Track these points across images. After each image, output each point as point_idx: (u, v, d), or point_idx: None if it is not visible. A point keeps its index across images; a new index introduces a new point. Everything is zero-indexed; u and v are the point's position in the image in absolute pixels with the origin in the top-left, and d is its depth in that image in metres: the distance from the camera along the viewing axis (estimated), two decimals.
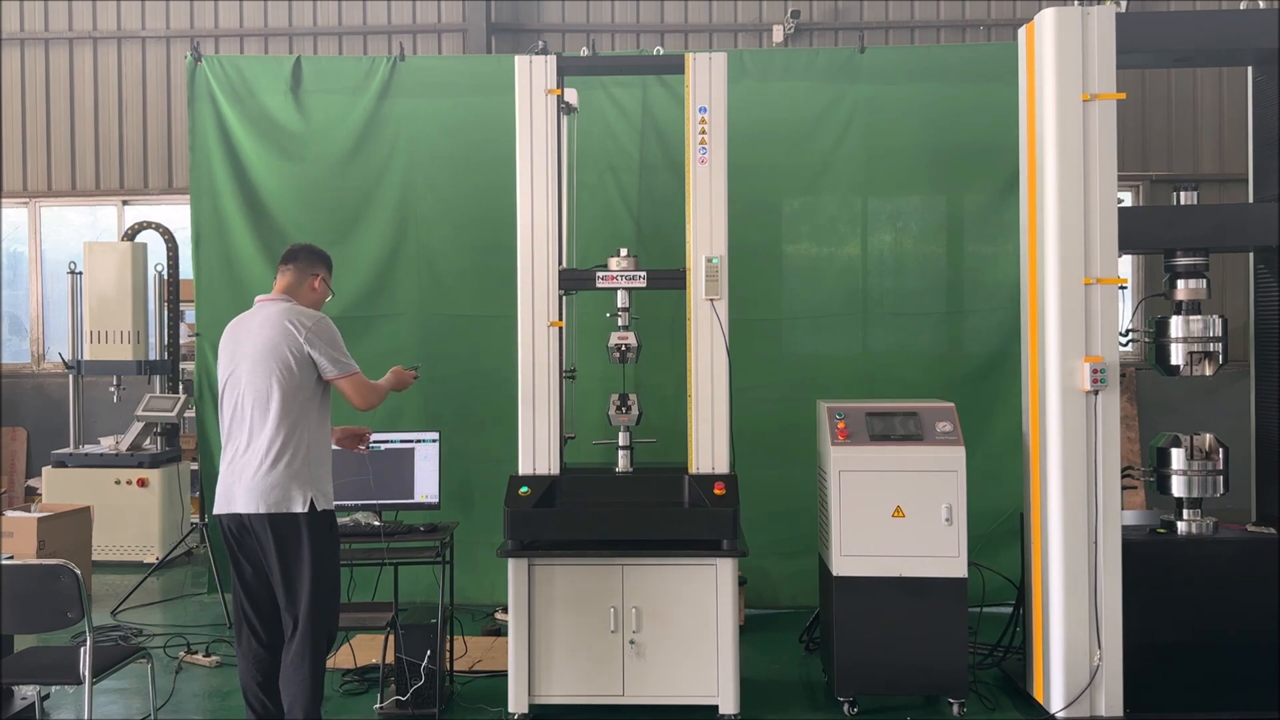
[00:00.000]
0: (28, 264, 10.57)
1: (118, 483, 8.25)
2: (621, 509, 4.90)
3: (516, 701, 4.90)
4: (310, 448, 4.22)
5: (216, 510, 4.27)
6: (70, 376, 8.72)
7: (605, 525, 4.88)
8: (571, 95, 5.58)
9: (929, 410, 5.14)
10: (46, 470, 8.42)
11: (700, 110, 5.03)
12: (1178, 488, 5.05)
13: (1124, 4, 5.00)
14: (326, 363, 4.24)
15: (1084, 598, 4.80)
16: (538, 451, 5.03)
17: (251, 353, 4.24)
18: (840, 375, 6.64)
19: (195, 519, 7.83)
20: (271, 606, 4.26)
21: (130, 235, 8.90)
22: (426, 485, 5.29)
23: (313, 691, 4.18)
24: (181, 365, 8.92)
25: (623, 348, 5.03)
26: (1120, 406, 5.10)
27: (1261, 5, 5.03)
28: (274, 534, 4.15)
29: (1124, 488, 4.94)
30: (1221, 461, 5.02)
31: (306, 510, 4.15)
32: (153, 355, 8.81)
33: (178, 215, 8.94)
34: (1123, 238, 4.85)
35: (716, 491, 4.90)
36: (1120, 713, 4.81)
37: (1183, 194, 5.15)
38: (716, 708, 4.91)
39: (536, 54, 5.23)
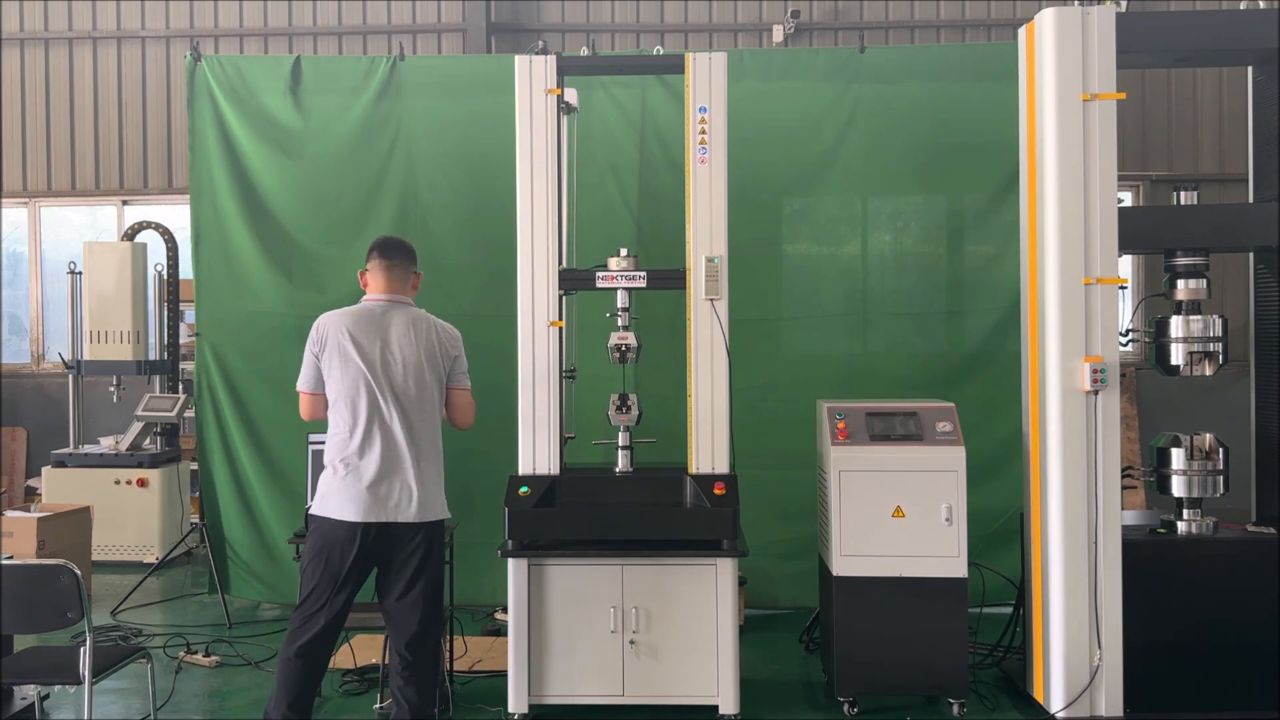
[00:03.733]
0: (28, 264, 10.57)
1: (117, 483, 8.24)
2: (621, 509, 4.90)
3: (516, 701, 4.90)
4: (439, 454, 4.29)
5: (363, 518, 4.10)
6: (70, 376, 8.72)
7: (605, 525, 4.88)
8: (571, 95, 5.58)
9: (929, 410, 5.14)
10: (46, 470, 8.41)
11: (700, 110, 5.03)
12: (1178, 488, 5.05)
13: (1124, 4, 5.00)
14: (460, 372, 4.32)
15: (1084, 598, 4.80)
16: (538, 451, 5.03)
17: (406, 358, 4.19)
18: (840, 375, 6.63)
19: (195, 519, 7.82)
20: (342, 615, 4.24)
21: (130, 235, 8.90)
22: None
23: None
24: (181, 365, 8.93)
25: (623, 348, 5.02)
26: (1120, 406, 5.10)
27: (1261, 5, 5.03)
28: (428, 541, 4.20)
29: (1124, 488, 4.94)
30: (1221, 461, 5.02)
31: (448, 517, 4.28)
32: (153, 355, 8.81)
33: (178, 215, 8.94)
34: (1123, 238, 4.85)
35: (716, 491, 4.90)
36: (1120, 713, 4.81)
37: (1183, 194, 5.15)
38: (716, 708, 4.91)
39: (536, 54, 5.22)
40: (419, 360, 4.22)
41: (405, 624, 4.25)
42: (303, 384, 4.34)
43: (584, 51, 6.29)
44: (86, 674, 4.12)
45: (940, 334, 6.78)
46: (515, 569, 4.91)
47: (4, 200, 10.40)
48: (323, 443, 5.31)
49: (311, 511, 4.27)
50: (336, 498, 4.15)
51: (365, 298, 4.42)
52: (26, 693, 4.94)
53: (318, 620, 4.17)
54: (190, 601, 7.23)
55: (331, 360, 4.23)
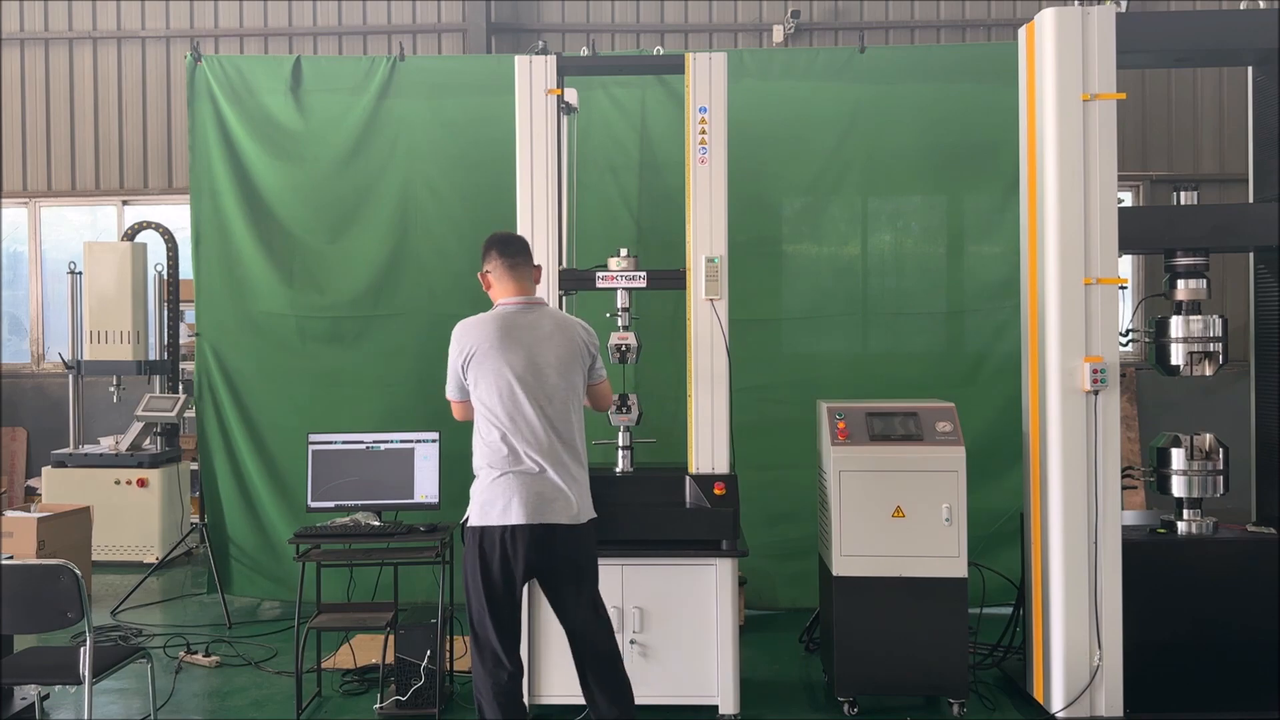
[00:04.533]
0: (28, 264, 10.57)
1: (118, 483, 8.25)
2: (621, 509, 4.90)
3: None
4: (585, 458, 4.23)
5: (518, 521, 3.95)
6: (70, 376, 8.72)
7: (605, 525, 4.85)
8: (571, 95, 5.58)
9: (929, 410, 5.14)
10: (46, 470, 8.42)
11: (700, 110, 5.03)
12: (1178, 488, 5.05)
13: (1124, 4, 5.00)
14: (599, 368, 4.30)
15: (1084, 598, 4.80)
16: None
17: (554, 360, 4.09)
18: (840, 375, 6.63)
19: (195, 519, 7.83)
20: (515, 626, 4.11)
21: (130, 235, 8.91)
22: (426, 485, 5.29)
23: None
24: (181, 365, 8.93)
25: (623, 348, 5.02)
26: (1120, 406, 5.10)
27: (1261, 5, 5.03)
28: (584, 543, 4.11)
29: (1124, 488, 4.94)
30: (1221, 461, 5.02)
31: (594, 517, 4.19)
32: (153, 355, 8.81)
33: (178, 215, 8.94)
34: (1123, 238, 4.85)
35: (716, 491, 4.90)
36: (1120, 713, 4.81)
37: (1183, 194, 5.15)
38: (716, 708, 4.91)
39: (536, 54, 5.23)
40: (563, 363, 4.11)
41: (585, 633, 4.13)
42: (450, 393, 4.24)
43: (584, 51, 6.28)
44: (86, 674, 4.12)
45: (940, 334, 6.78)
46: None
47: (4, 200, 10.40)
48: (322, 443, 5.38)
49: (471, 523, 4.03)
50: (498, 504, 4.00)
51: (500, 302, 4.24)
52: (26, 693, 4.94)
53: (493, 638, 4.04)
54: (190, 601, 7.24)
55: (481, 368, 4.08)
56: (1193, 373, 5.05)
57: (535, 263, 4.36)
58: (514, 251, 4.25)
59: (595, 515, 4.19)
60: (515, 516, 3.96)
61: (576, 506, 4.05)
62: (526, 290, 4.24)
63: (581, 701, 4.84)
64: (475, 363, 4.09)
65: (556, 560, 4.04)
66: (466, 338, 4.15)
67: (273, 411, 6.91)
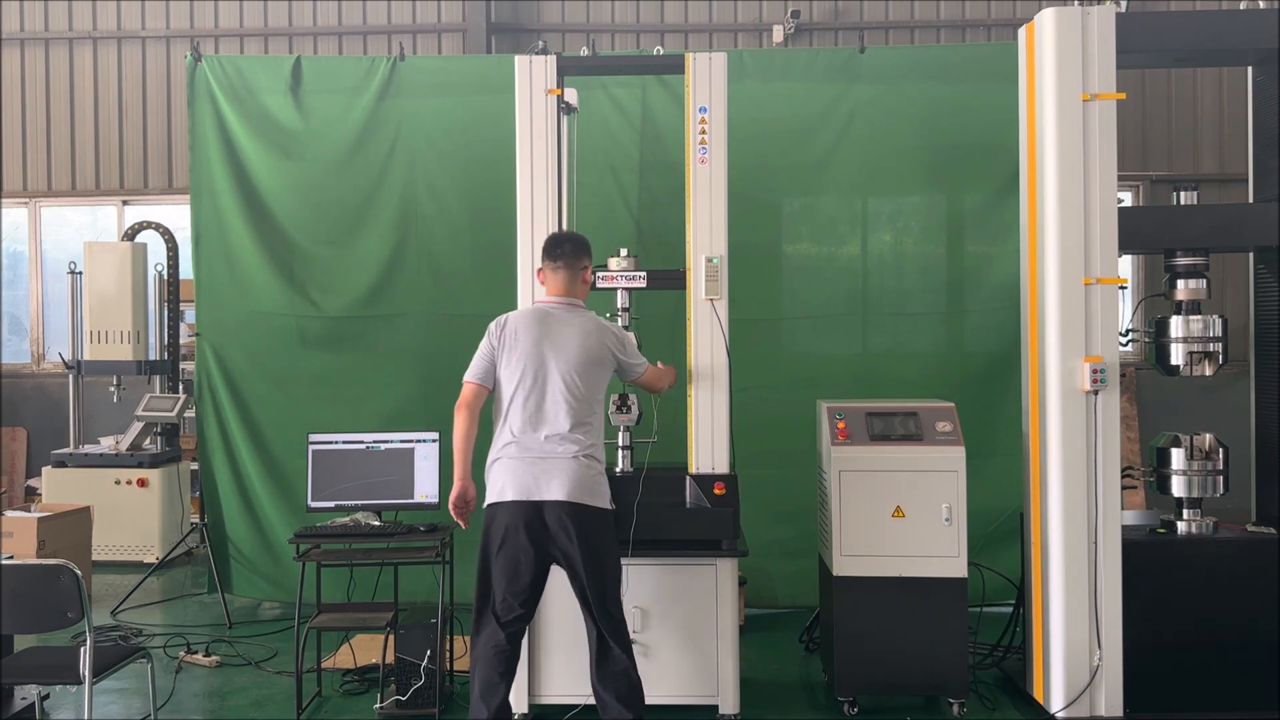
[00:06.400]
0: (28, 264, 10.58)
1: (118, 483, 8.25)
2: (621, 509, 4.88)
3: (516, 701, 4.89)
4: (602, 449, 4.47)
5: (515, 497, 4.29)
6: (70, 376, 8.72)
7: None
8: (571, 95, 5.58)
9: (929, 410, 5.14)
10: (46, 470, 8.42)
11: (700, 110, 5.03)
12: (1178, 488, 5.05)
13: (1124, 4, 5.00)
14: (628, 369, 4.59)
15: (1084, 598, 4.80)
16: None
17: (572, 358, 4.38)
18: (840, 375, 6.63)
19: (195, 519, 7.83)
20: (526, 602, 4.36)
21: (130, 235, 8.91)
22: (426, 485, 5.29)
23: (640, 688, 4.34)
24: (181, 365, 8.93)
25: None
26: (1120, 406, 5.10)
27: (1261, 5, 5.03)
28: (587, 525, 4.27)
29: (1124, 488, 4.94)
30: (1221, 461, 5.02)
31: (612, 507, 4.41)
32: (153, 355, 8.81)
33: (178, 215, 8.94)
34: (1123, 238, 4.85)
35: (716, 491, 4.90)
36: (1120, 713, 4.81)
37: (1183, 194, 5.15)
38: (716, 708, 4.91)
39: (536, 54, 5.22)
40: (584, 364, 4.39)
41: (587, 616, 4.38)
42: (469, 374, 4.53)
43: (584, 51, 6.28)
44: (86, 674, 4.12)
45: (940, 334, 6.78)
46: None
47: (4, 200, 10.40)
48: (322, 443, 5.40)
49: (488, 502, 4.40)
50: (496, 485, 4.39)
51: (539, 300, 4.67)
52: (26, 693, 4.94)
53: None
54: (190, 601, 7.24)
55: (510, 354, 4.44)
56: (1193, 373, 5.05)
57: (585, 264, 4.60)
58: (555, 255, 4.57)
59: (608, 507, 4.39)
60: (519, 493, 4.30)
61: (585, 491, 4.29)
62: (567, 291, 4.56)
63: (581, 701, 4.87)
64: (506, 349, 4.46)
65: (547, 539, 4.29)
66: (506, 324, 4.53)
67: (273, 411, 6.91)
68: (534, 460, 4.31)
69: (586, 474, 4.31)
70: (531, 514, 4.27)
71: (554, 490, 4.26)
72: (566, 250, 4.56)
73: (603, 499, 4.37)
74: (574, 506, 4.26)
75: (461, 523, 4.52)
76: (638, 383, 4.71)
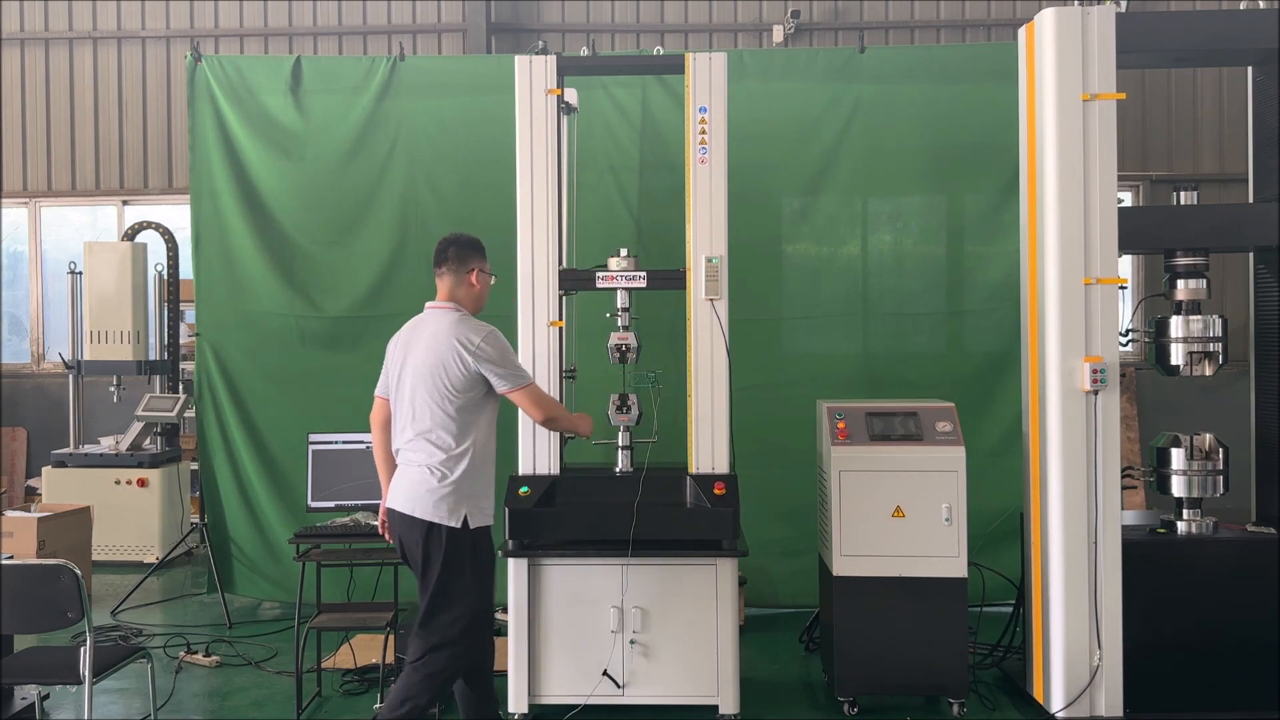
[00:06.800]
0: (28, 264, 10.58)
1: (118, 483, 8.25)
2: (621, 509, 4.89)
3: (516, 701, 4.90)
4: (472, 462, 4.23)
5: (386, 505, 4.37)
6: (70, 376, 8.72)
7: (605, 525, 4.88)
8: (571, 95, 5.58)
9: (929, 410, 5.14)
10: (46, 470, 8.42)
11: (700, 110, 5.03)
12: (1178, 488, 5.04)
13: (1124, 4, 5.00)
14: (496, 378, 4.24)
15: (1084, 598, 4.80)
16: (538, 451, 5.02)
17: (418, 365, 4.25)
18: (840, 375, 6.63)
19: (195, 519, 7.83)
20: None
21: (130, 235, 8.91)
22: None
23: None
24: (181, 365, 8.93)
25: (623, 348, 5.02)
26: (1120, 406, 5.10)
27: (1261, 5, 5.03)
28: (412, 537, 4.19)
29: (1124, 488, 4.94)
30: (1221, 461, 5.02)
31: (460, 526, 4.17)
32: (153, 355, 8.81)
33: (178, 215, 8.94)
34: (1123, 238, 4.85)
35: (716, 491, 4.90)
36: (1120, 713, 4.81)
37: (1183, 194, 5.15)
38: (716, 708, 4.91)
39: (536, 54, 5.22)
40: (424, 371, 4.23)
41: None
42: (377, 389, 4.53)
43: (584, 51, 6.28)
44: (86, 674, 4.12)
45: (940, 334, 6.78)
46: (515, 569, 4.92)
47: (4, 200, 10.40)
48: (322, 443, 5.41)
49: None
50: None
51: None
52: (26, 693, 4.94)
53: None
54: (190, 601, 7.24)
55: (390, 366, 4.43)
56: (1193, 373, 5.05)
57: (471, 267, 4.41)
58: (438, 260, 4.45)
59: (460, 526, 4.16)
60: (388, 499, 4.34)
61: (426, 506, 4.16)
62: (448, 296, 4.42)
63: (581, 701, 4.87)
64: (389, 359, 4.44)
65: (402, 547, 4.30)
66: (396, 334, 4.49)
67: (272, 411, 6.91)
68: (399, 468, 4.32)
69: (421, 485, 4.17)
70: (390, 519, 4.33)
71: (393, 498, 4.27)
72: (450, 255, 4.40)
73: (434, 513, 4.15)
74: (402, 516, 4.21)
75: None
76: (514, 401, 4.33)
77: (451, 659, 4.17)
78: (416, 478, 4.20)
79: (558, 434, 5.01)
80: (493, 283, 4.56)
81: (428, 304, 4.45)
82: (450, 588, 4.17)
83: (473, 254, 4.44)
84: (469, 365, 4.19)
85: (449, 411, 4.20)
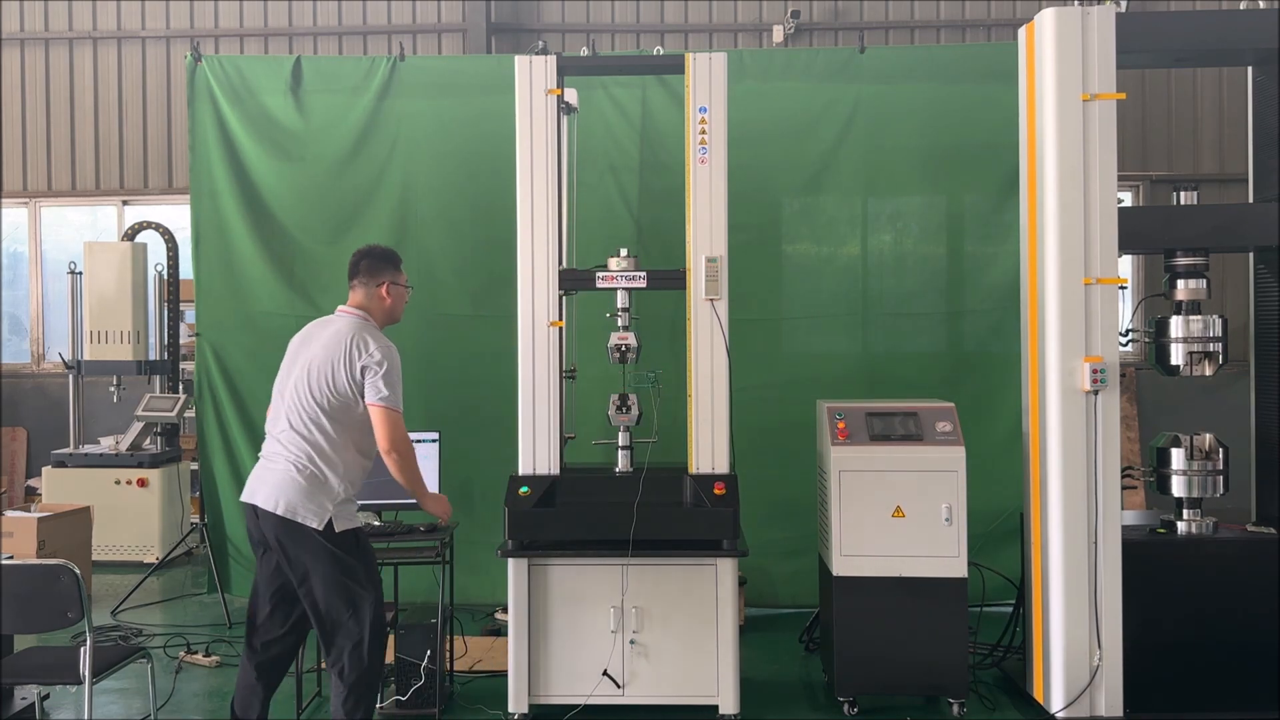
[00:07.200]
0: (28, 264, 10.57)
1: (118, 483, 8.25)
2: (621, 509, 4.89)
3: (516, 701, 4.90)
4: (345, 467, 4.21)
5: (242, 497, 4.30)
6: (70, 376, 8.72)
7: (605, 525, 4.88)
8: (571, 95, 5.58)
9: (929, 410, 5.14)
10: (46, 470, 8.42)
11: (700, 110, 5.03)
12: (1178, 488, 5.05)
13: (1124, 4, 5.00)
14: (369, 388, 4.19)
15: (1084, 598, 4.80)
16: (538, 451, 5.02)
17: (309, 360, 4.27)
18: (840, 375, 6.63)
19: (195, 519, 7.83)
20: (269, 612, 4.32)
21: (130, 235, 8.90)
22: (426, 485, 5.27)
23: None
24: (181, 365, 8.93)
25: (623, 348, 5.02)
26: (1120, 406, 5.10)
27: (1261, 5, 5.03)
28: (286, 539, 4.15)
29: (1124, 488, 4.94)
30: (1221, 461, 5.02)
31: (321, 528, 4.12)
32: (153, 355, 8.81)
33: (178, 215, 8.94)
34: (1123, 238, 4.85)
35: (716, 491, 4.90)
36: (1120, 713, 4.81)
37: (1183, 194, 5.15)
38: (716, 708, 4.91)
39: (536, 54, 5.22)
40: (314, 369, 4.23)
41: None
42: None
43: (584, 51, 6.28)
44: (86, 674, 4.12)
45: (940, 334, 6.78)
46: (515, 569, 4.92)
47: (4, 200, 10.40)
48: None
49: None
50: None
51: None
52: (26, 693, 4.94)
53: None
54: (190, 601, 7.24)
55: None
56: (1193, 373, 5.05)
57: (380, 280, 4.43)
58: (351, 273, 4.47)
59: (322, 529, 4.13)
60: (245, 494, 4.28)
61: (289, 503, 4.12)
62: (358, 304, 4.43)
63: (581, 701, 4.86)
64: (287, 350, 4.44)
65: (263, 544, 4.24)
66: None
67: None
68: (261, 461, 4.29)
69: (293, 485, 4.13)
70: (249, 516, 4.25)
71: (259, 495, 4.19)
72: (361, 268, 4.43)
73: (306, 516, 4.11)
74: (271, 517, 4.14)
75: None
76: (373, 417, 4.21)
77: (360, 652, 4.20)
78: (289, 477, 4.15)
79: (556, 433, 5.01)
80: (409, 295, 4.57)
81: (339, 307, 4.48)
82: (347, 596, 4.19)
83: (385, 266, 4.45)
84: (356, 371, 4.19)
85: (326, 410, 4.19)
